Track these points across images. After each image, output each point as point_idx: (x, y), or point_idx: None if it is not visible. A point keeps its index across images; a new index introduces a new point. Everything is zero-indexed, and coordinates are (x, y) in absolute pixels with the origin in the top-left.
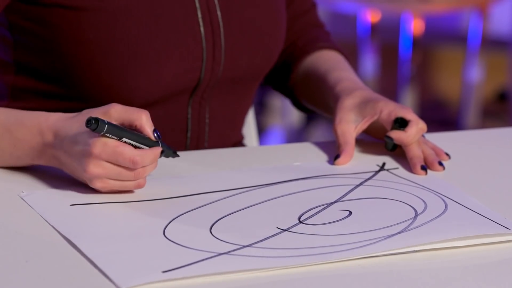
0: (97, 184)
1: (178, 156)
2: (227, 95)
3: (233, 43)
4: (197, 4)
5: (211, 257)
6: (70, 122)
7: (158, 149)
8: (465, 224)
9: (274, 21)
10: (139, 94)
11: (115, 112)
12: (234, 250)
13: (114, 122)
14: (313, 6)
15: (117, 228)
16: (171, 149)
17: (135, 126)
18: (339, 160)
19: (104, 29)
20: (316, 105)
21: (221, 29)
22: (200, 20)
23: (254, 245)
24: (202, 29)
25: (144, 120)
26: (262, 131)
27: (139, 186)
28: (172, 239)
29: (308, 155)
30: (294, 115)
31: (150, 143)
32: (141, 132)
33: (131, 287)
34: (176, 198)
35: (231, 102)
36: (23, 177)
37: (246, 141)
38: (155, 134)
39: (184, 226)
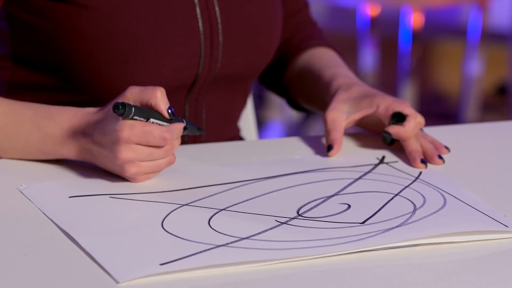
0: (131, 170)
1: (202, 131)
2: (224, 91)
3: (230, 40)
4: (196, 0)
5: (209, 249)
6: (97, 115)
7: (181, 124)
8: (464, 219)
9: (270, 19)
10: None
11: (131, 95)
12: (232, 242)
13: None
14: (306, 5)
15: (115, 220)
16: (195, 125)
17: (150, 104)
18: (332, 152)
19: (104, 24)
20: (312, 102)
21: (219, 26)
22: (199, 16)
23: (252, 238)
24: (200, 25)
25: (158, 98)
26: (261, 125)
27: (171, 162)
28: (170, 231)
29: (307, 149)
30: None
31: (174, 122)
32: (156, 110)
33: (128, 280)
34: (174, 191)
35: (227, 98)
36: (22, 170)
37: (246, 134)
38: (169, 111)
39: (182, 219)
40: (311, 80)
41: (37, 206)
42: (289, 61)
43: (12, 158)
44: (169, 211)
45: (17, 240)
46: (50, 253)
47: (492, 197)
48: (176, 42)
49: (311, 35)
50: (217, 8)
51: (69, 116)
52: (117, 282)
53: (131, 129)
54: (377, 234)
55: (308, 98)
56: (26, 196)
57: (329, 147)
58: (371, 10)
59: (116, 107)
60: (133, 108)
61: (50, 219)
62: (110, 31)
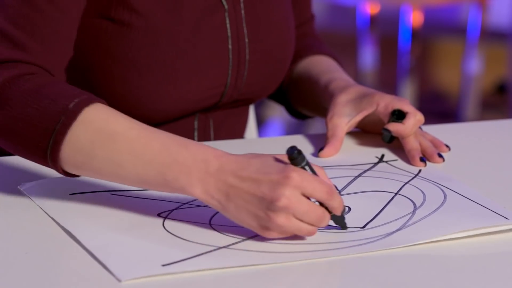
0: (279, 219)
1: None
2: (232, 109)
3: (254, 70)
4: (229, 33)
5: (210, 251)
6: (241, 155)
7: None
8: (464, 217)
9: (288, 47)
10: (162, 114)
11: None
12: (233, 244)
13: None
14: (312, 18)
15: (117, 219)
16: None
17: None
18: (322, 152)
19: (144, 48)
20: (310, 107)
21: (246, 57)
22: (230, 47)
23: (254, 239)
24: (230, 57)
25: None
26: (261, 123)
27: (310, 234)
28: (171, 231)
29: (307, 147)
30: None
31: None
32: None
33: (130, 279)
34: None
35: (234, 113)
36: (22, 169)
37: (246, 133)
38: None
39: (183, 218)
40: (309, 85)
41: (37, 203)
42: (288, 68)
43: (110, 180)
44: (170, 210)
45: (17, 238)
46: (50, 251)
47: (492, 195)
48: (207, 74)
49: (311, 45)
50: (246, 39)
51: (206, 150)
52: (119, 281)
53: (301, 174)
54: (378, 239)
55: (306, 103)
56: (26, 194)
57: (321, 149)
58: (370, 9)
59: (292, 151)
60: (306, 159)
61: (51, 217)
62: (148, 56)
